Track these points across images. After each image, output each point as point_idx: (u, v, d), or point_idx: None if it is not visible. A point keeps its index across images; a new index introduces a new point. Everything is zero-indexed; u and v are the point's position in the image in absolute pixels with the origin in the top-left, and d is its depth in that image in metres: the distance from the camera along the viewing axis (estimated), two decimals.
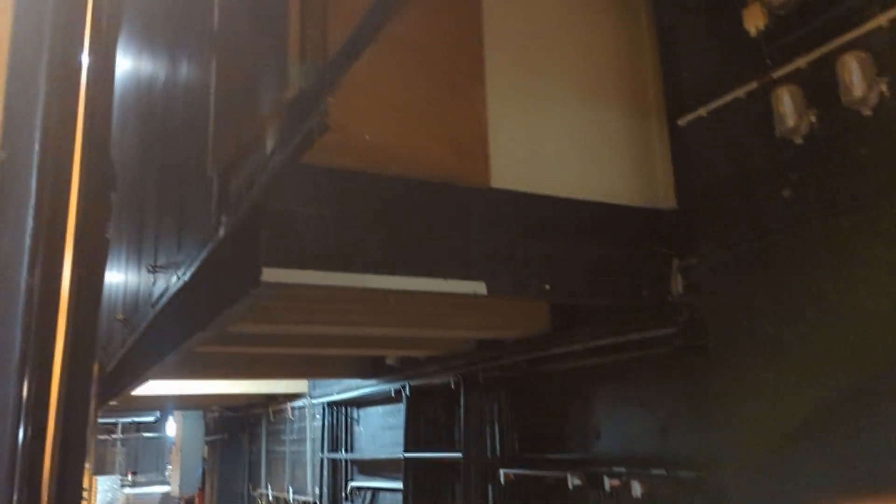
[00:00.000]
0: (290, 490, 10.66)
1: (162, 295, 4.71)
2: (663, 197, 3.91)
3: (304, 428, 10.19)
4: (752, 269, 3.03)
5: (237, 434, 13.72)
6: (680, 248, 3.74)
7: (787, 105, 2.82)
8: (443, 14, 3.28)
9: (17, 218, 2.37)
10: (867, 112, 2.61)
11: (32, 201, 2.44)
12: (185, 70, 4.55)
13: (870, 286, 2.56)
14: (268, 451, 12.13)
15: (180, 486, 14.90)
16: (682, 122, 3.47)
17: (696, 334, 3.63)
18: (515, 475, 5.36)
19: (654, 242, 3.83)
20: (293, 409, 10.67)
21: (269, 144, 2.96)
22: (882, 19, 2.58)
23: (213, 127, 3.38)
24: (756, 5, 2.98)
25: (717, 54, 3.29)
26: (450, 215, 3.33)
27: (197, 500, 14.88)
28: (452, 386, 6.03)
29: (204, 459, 15.06)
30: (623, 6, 4.09)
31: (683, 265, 3.75)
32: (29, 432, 1.98)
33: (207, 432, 14.92)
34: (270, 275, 2.87)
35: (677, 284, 3.77)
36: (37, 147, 2.53)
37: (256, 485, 12.57)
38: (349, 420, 8.93)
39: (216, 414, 14.16)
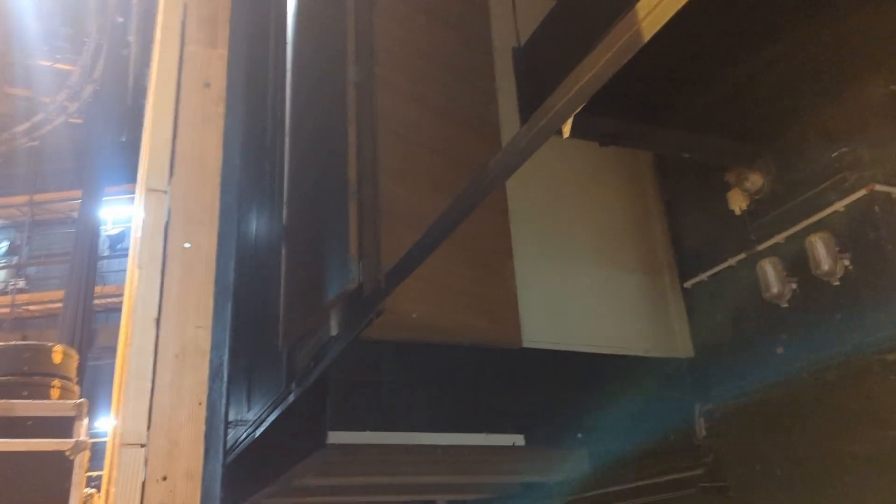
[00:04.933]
0: None
1: (232, 449, 5.17)
2: (681, 347, 4.33)
3: None
4: (757, 418, 3.41)
5: None
6: (700, 394, 4.12)
7: (770, 274, 3.30)
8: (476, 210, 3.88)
9: None
10: (835, 282, 3.07)
11: None
12: (259, 252, 5.24)
13: (854, 433, 2.92)
14: None
15: None
16: (687, 284, 3.96)
17: (720, 475, 3.93)
18: None
19: (676, 389, 4.21)
20: None
21: (333, 325, 3.52)
22: (839, 205, 3.10)
23: (283, 309, 3.98)
24: (736, 190, 3.54)
25: (711, 227, 3.82)
26: (488, 375, 3.81)
27: None
28: None
29: None
30: (633, 181, 4.69)
31: (704, 410, 4.11)
32: None
33: None
34: (335, 437, 3.36)
35: (700, 428, 4.12)
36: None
37: None
38: None
39: None
